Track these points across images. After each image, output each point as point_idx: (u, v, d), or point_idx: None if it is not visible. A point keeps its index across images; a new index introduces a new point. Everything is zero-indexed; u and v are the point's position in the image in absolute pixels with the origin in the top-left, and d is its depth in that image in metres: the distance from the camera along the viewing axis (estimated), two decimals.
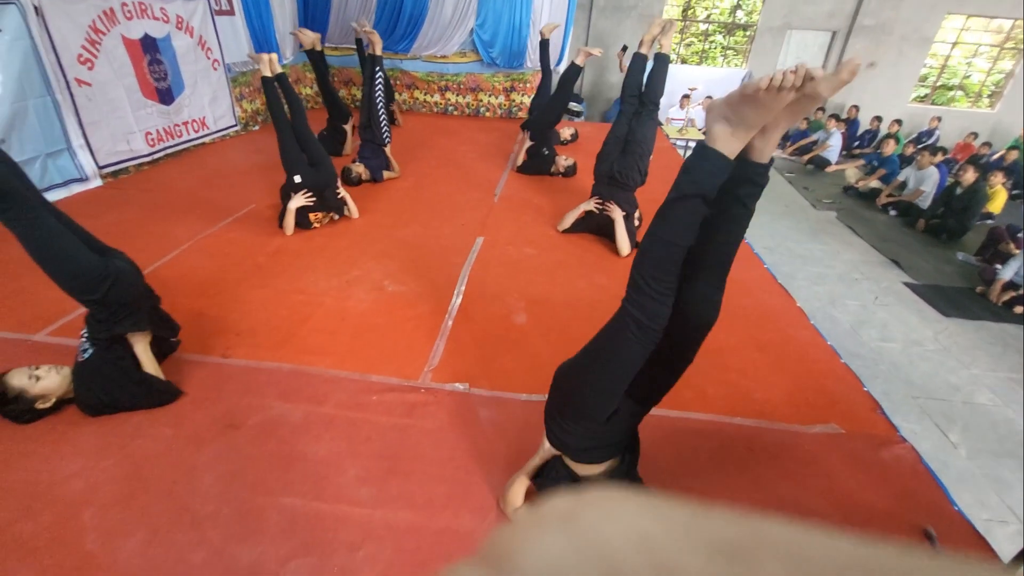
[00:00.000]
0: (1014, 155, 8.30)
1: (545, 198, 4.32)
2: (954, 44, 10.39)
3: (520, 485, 1.61)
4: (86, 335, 1.91)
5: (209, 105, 5.28)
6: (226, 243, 3.28)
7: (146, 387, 1.93)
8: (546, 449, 1.58)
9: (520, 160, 4.96)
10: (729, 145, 1.05)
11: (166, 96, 4.74)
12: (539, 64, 6.79)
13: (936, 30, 9.87)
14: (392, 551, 1.52)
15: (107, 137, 4.14)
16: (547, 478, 1.53)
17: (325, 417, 1.98)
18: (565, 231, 3.63)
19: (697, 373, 2.32)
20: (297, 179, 3.30)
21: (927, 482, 1.88)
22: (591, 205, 3.51)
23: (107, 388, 1.88)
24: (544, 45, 5.19)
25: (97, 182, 4.08)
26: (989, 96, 10.87)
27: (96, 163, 4.06)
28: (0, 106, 3.36)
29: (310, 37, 4.59)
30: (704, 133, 1.10)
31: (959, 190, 6.14)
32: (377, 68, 4.06)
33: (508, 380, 2.23)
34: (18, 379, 1.82)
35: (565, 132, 5.86)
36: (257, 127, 6.06)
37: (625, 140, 3.61)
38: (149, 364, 1.95)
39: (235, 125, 5.67)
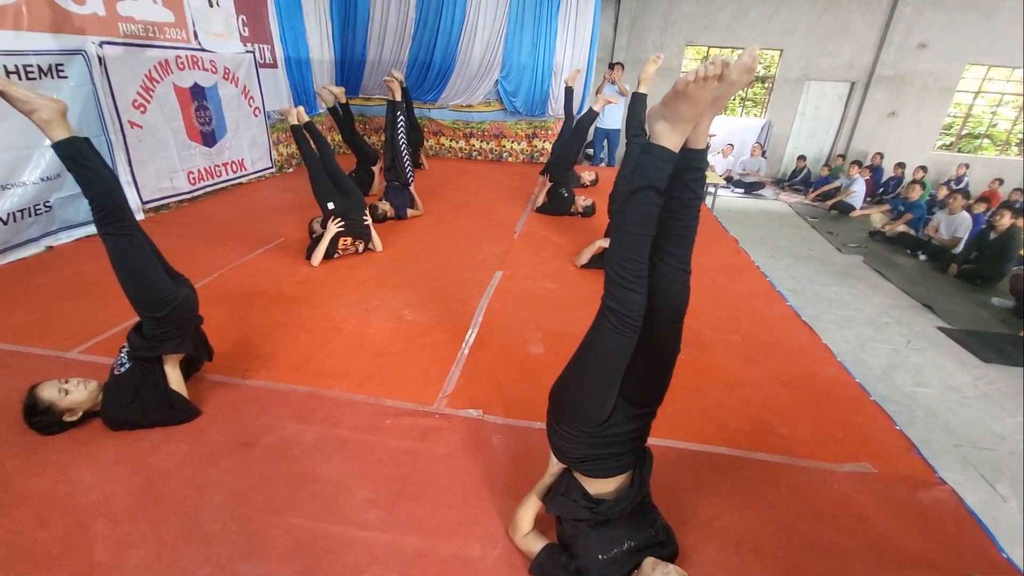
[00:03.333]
0: None
1: (564, 236, 4.37)
2: (976, 93, 10.41)
3: (530, 507, 1.55)
4: (126, 350, 1.98)
5: (248, 148, 5.60)
6: (255, 272, 3.40)
7: (170, 405, 1.97)
8: (554, 464, 1.54)
9: (540, 201, 5.07)
10: (671, 139, 1.16)
11: (209, 139, 5.05)
12: (561, 111, 7.08)
13: (958, 80, 9.93)
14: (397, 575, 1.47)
15: (152, 175, 4.40)
16: (558, 495, 1.48)
17: (338, 439, 1.98)
18: (583, 266, 3.65)
19: (719, 407, 2.29)
20: (331, 206, 3.47)
21: (971, 527, 1.75)
22: (607, 242, 3.54)
23: (135, 404, 1.92)
24: (569, 93, 5.41)
25: (140, 216, 4.30)
26: (1018, 144, 10.75)
27: (140, 199, 4.31)
28: None
29: (330, 96, 4.91)
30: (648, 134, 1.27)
31: (993, 235, 5.99)
32: (399, 113, 4.28)
33: (522, 408, 2.19)
34: (48, 392, 1.88)
35: (586, 176, 5.99)
36: (291, 169, 6.37)
37: None
38: (176, 382, 2.00)
39: (271, 167, 5.98)
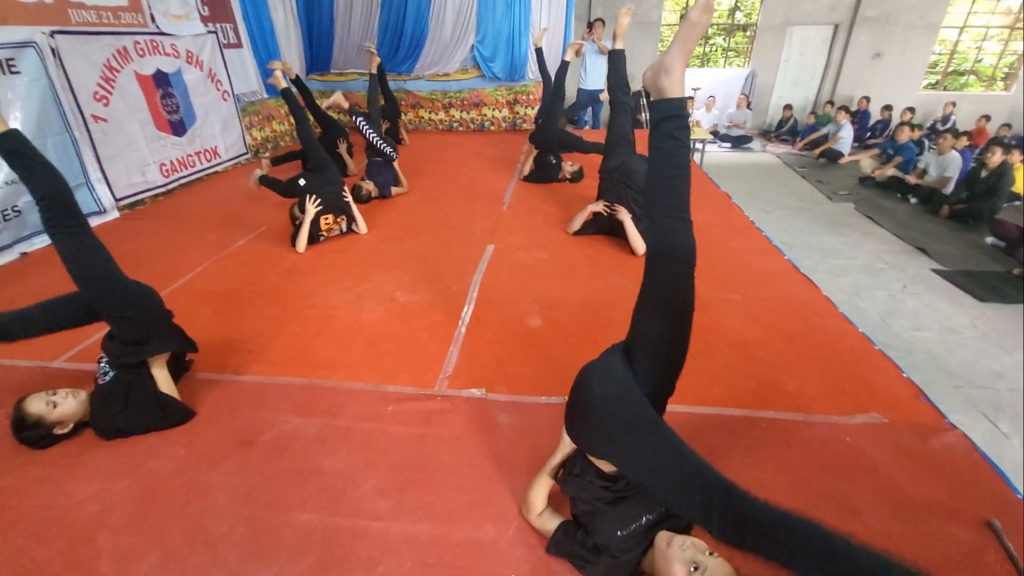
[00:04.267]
0: None
1: (554, 204, 4.27)
2: (962, 28, 10.22)
3: (542, 487, 1.52)
4: (106, 360, 1.90)
5: (220, 134, 5.38)
6: (238, 264, 3.29)
7: (162, 409, 1.91)
8: (565, 443, 1.50)
9: (527, 169, 4.95)
10: (682, 85, 1.19)
11: (179, 128, 4.84)
12: (539, 75, 6.85)
13: (942, 16, 9.72)
14: (412, 565, 1.45)
15: (123, 170, 4.22)
16: (572, 476, 1.45)
17: (340, 430, 1.93)
18: (575, 233, 3.57)
19: (724, 368, 2.26)
20: (301, 182, 3.37)
21: (984, 471, 1.74)
22: (599, 207, 3.46)
23: (126, 411, 1.85)
24: (539, 54, 5.20)
25: (115, 214, 4.15)
26: (1003, 79, 10.63)
27: (113, 196, 4.14)
28: None
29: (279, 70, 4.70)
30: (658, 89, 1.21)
31: (984, 173, 5.95)
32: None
33: (526, 384, 2.15)
34: (36, 405, 1.80)
35: (567, 168, 5.03)
36: (267, 154, 6.14)
37: (632, 142, 3.60)
38: (165, 384, 1.93)
39: (246, 153, 5.77)
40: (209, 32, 5.15)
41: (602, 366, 1.40)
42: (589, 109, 7.20)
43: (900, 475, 1.70)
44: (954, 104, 9.56)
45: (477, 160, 5.74)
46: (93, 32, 3.94)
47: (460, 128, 7.33)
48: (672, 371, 1.37)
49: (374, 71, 4.52)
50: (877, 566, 0.91)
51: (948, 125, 9.16)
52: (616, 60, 3.55)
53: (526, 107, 7.12)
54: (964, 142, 6.57)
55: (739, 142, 9.74)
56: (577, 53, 6.37)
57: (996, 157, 5.86)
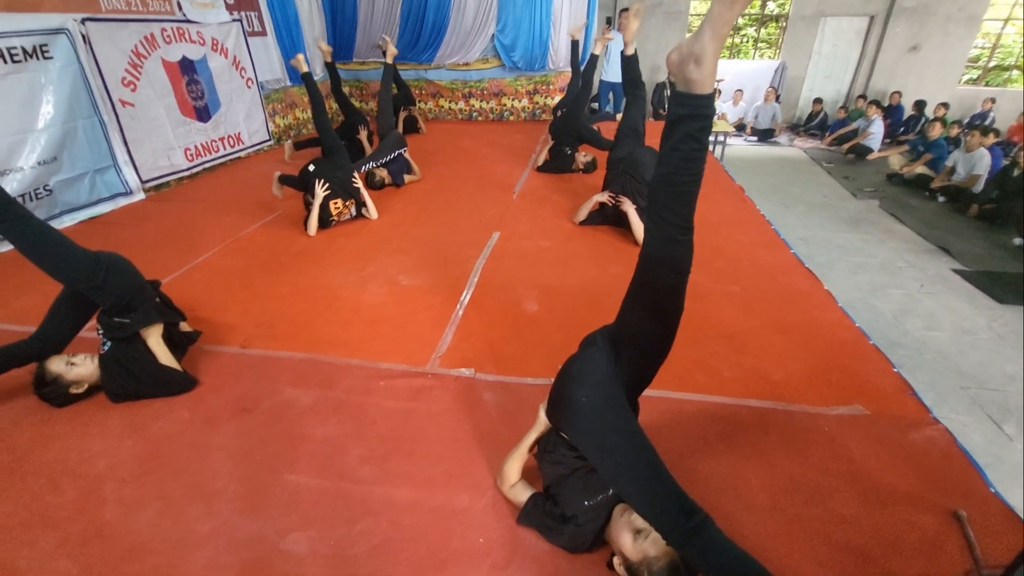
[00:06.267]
0: None
1: (564, 194, 4.30)
2: (1006, 20, 9.75)
3: (517, 461, 1.59)
4: (101, 331, 2.03)
5: (244, 121, 5.56)
6: (253, 246, 3.43)
7: (163, 378, 2.03)
8: (541, 422, 1.56)
9: (542, 159, 4.97)
10: (711, 79, 1.05)
11: (203, 114, 5.02)
12: (562, 66, 6.86)
13: (985, 7, 9.29)
14: (388, 525, 1.53)
15: (149, 154, 4.42)
16: (545, 452, 1.51)
17: (334, 401, 2.03)
18: (581, 223, 3.61)
19: (713, 356, 2.28)
20: (311, 167, 3.47)
21: (961, 465, 1.74)
22: (604, 197, 3.47)
23: (127, 379, 1.99)
24: (574, 47, 5.18)
25: (140, 196, 4.35)
26: None
27: (140, 178, 4.34)
28: (52, 127, 3.64)
29: (327, 50, 4.91)
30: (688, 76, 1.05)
31: (1016, 172, 5.72)
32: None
33: (515, 365, 2.22)
34: (56, 365, 1.95)
35: (581, 159, 5.01)
36: (289, 140, 6.31)
37: (642, 133, 3.63)
38: (164, 356, 2.04)
39: (268, 140, 5.95)
40: (234, 20, 5.31)
41: (587, 364, 1.43)
42: (611, 100, 7.16)
43: (873, 464, 1.71)
44: (994, 100, 9.16)
45: (493, 149, 5.79)
46: (122, 19, 4.12)
47: (479, 118, 7.38)
48: (655, 366, 1.40)
49: (390, 61, 4.59)
50: None
51: (987, 122, 8.78)
52: (629, 63, 3.61)
53: (546, 97, 7.13)
54: (992, 139, 6.31)
55: (765, 135, 9.54)
56: (602, 40, 6.33)
57: None
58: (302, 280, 2.96)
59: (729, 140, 8.12)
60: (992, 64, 10.34)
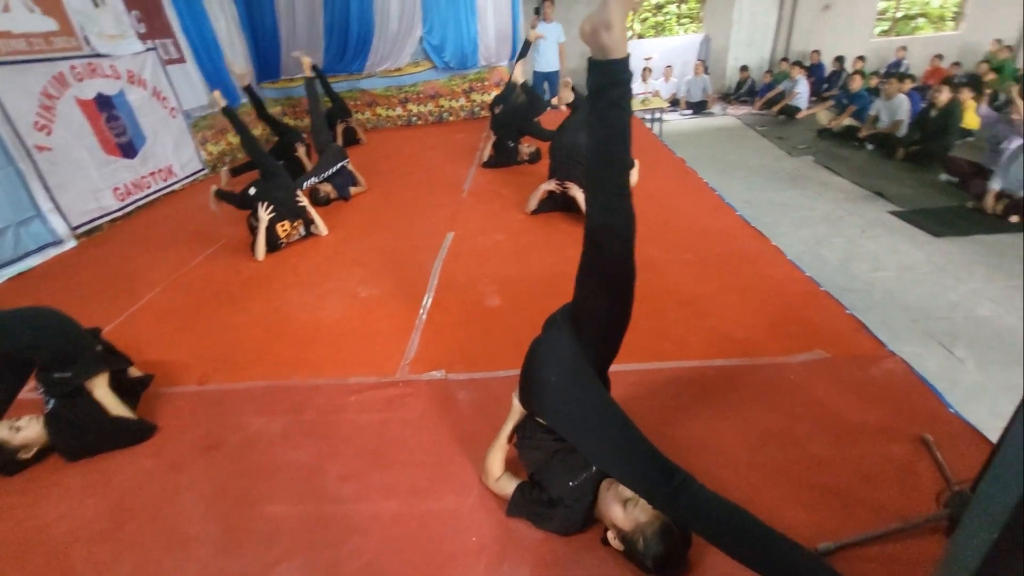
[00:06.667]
0: (992, 77, 8.20)
1: (512, 187, 4.31)
2: None
3: (498, 453, 1.58)
4: (43, 391, 1.91)
5: (173, 153, 5.32)
6: (200, 279, 3.29)
7: (116, 429, 1.92)
8: (516, 409, 1.56)
9: (487, 155, 4.96)
10: (623, 43, 1.07)
11: (128, 150, 4.77)
12: (494, 61, 6.86)
13: None
14: (377, 540, 1.50)
15: (76, 198, 4.17)
16: (523, 439, 1.51)
17: (305, 425, 1.97)
18: (533, 212, 3.62)
19: (675, 324, 2.33)
20: (252, 191, 3.37)
21: (921, 392, 1.84)
22: (552, 186, 3.50)
23: (78, 435, 1.87)
24: (526, 46, 5.18)
25: (72, 243, 4.10)
26: (952, 18, 10.78)
27: (68, 224, 4.09)
28: None
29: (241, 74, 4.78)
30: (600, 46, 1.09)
31: (934, 112, 6.07)
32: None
33: (485, 361, 2.21)
34: None
35: (524, 151, 4.94)
36: (225, 167, 6.08)
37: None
38: (114, 406, 1.93)
39: (203, 169, 5.71)
40: (149, 49, 5.07)
41: (552, 345, 1.44)
42: (546, 87, 7.20)
43: (841, 404, 1.78)
44: (905, 48, 9.69)
45: (436, 152, 5.74)
46: (25, 60, 3.86)
47: (419, 122, 7.30)
48: (617, 336, 1.42)
49: (309, 74, 4.51)
50: (807, 563, 1.05)
51: (901, 70, 9.28)
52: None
53: (483, 94, 7.11)
54: (909, 84, 6.68)
55: (699, 107, 9.81)
56: (531, 39, 6.36)
57: (943, 96, 5.98)
58: (256, 306, 2.86)
59: (665, 116, 8.31)
60: (900, 14, 10.93)
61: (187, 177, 5.46)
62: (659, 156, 4.84)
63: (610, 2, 1.03)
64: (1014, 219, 4.51)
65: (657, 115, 7.66)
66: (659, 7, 11.33)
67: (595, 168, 1.21)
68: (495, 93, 6.54)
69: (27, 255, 3.80)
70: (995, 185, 4.71)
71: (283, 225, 3.44)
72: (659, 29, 11.48)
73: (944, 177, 5.57)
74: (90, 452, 1.90)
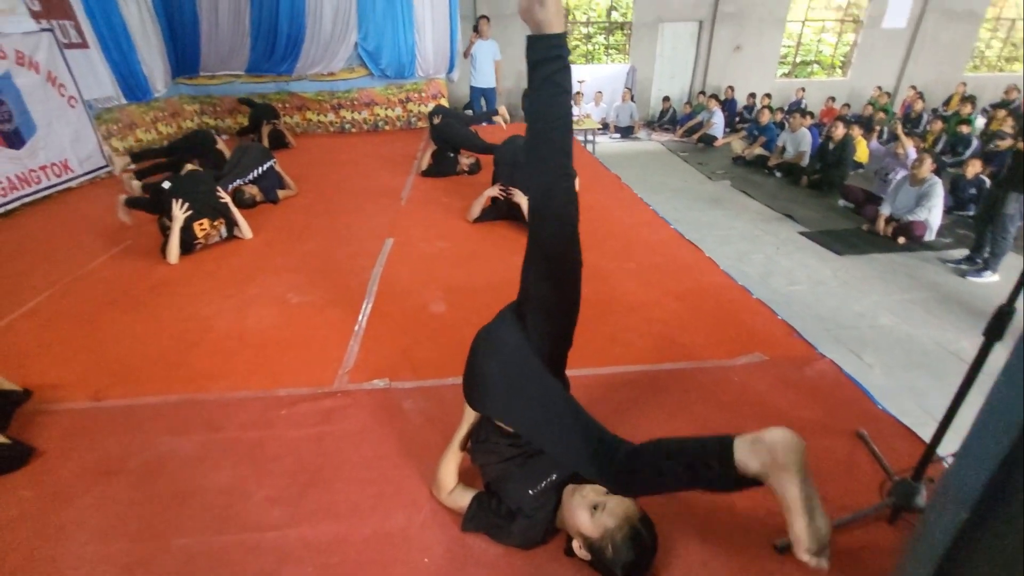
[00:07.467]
0: (881, 116, 9.31)
1: (454, 195, 4.22)
2: (803, 22, 11.56)
3: (451, 462, 1.46)
4: None
5: (71, 146, 4.72)
6: (99, 283, 2.89)
7: None
8: (469, 413, 1.46)
9: (425, 164, 4.85)
10: (560, 18, 1.10)
11: (14, 140, 4.18)
12: (432, 73, 6.82)
13: (787, 11, 10.93)
14: (314, 569, 1.32)
15: None
16: (478, 443, 1.41)
17: (224, 443, 1.74)
18: (476, 220, 3.55)
19: (624, 329, 2.33)
20: (166, 185, 3.02)
21: (851, 391, 1.94)
22: (495, 191, 3.46)
23: None
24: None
25: None
26: (841, 67, 12.17)
27: None
28: None
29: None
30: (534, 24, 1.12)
31: (831, 145, 6.74)
32: None
33: (432, 368, 2.08)
34: None
35: (464, 162, 4.91)
36: (133, 165, 5.51)
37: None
38: None
39: (105, 165, 5.12)
40: (43, 30, 4.50)
41: (494, 330, 1.39)
42: (483, 102, 7.23)
43: (781, 402, 1.84)
44: (803, 89, 10.79)
45: (372, 160, 5.54)
46: None
47: (353, 129, 7.05)
48: (566, 326, 1.37)
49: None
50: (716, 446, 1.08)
51: (801, 107, 10.29)
52: None
53: (419, 105, 7.01)
54: (810, 121, 7.41)
55: (626, 132, 10.30)
56: (466, 54, 6.39)
57: (839, 131, 6.67)
58: (166, 314, 2.55)
59: (597, 138, 8.63)
60: (799, 60, 12.18)
61: (87, 174, 4.86)
62: (597, 172, 4.97)
63: None
64: (902, 241, 5.06)
65: (590, 136, 7.92)
66: (588, 37, 11.85)
67: (532, 148, 1.19)
68: (433, 104, 6.48)
69: None
70: (885, 210, 5.27)
71: (201, 224, 3.11)
72: (588, 57, 11.99)
73: (842, 202, 6.17)
74: None
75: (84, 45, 5.05)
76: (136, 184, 4.16)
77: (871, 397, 1.89)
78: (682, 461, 1.07)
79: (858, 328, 3.73)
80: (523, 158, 3.33)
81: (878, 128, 8.08)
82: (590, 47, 12.09)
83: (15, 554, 1.38)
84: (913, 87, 10.37)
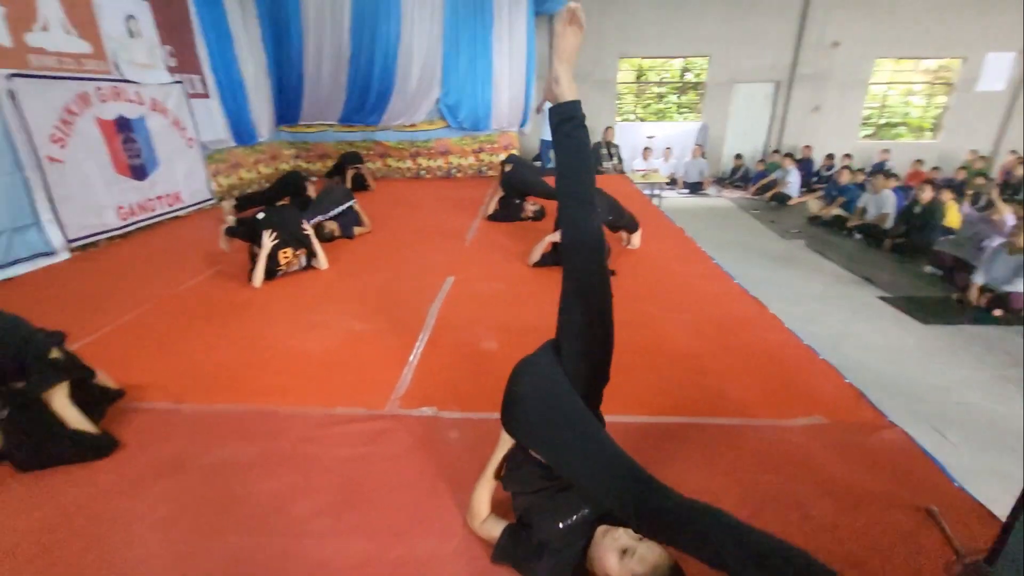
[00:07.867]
0: (980, 181, 8.69)
1: (515, 239, 4.37)
2: (888, 84, 11.19)
3: (484, 489, 1.48)
4: None
5: (184, 180, 5.39)
6: (190, 301, 3.22)
7: (74, 442, 1.78)
8: (504, 440, 1.49)
9: (491, 209, 5.07)
10: (573, 88, 1.36)
11: (139, 172, 4.84)
12: (505, 125, 7.20)
13: (870, 74, 10.65)
14: None
15: (77, 211, 4.16)
16: (512, 470, 1.43)
17: (280, 453, 1.85)
18: (535, 265, 3.64)
19: (672, 380, 2.29)
20: (260, 216, 3.36)
21: (922, 464, 1.78)
22: (557, 237, 3.54)
23: (32, 446, 1.74)
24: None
25: (65, 255, 4.05)
26: (931, 129, 11.57)
27: (65, 237, 4.06)
28: None
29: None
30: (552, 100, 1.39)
31: (917, 208, 6.36)
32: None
33: (478, 401, 2.13)
34: None
35: (529, 208, 5.06)
36: (227, 200, 6.15)
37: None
38: (74, 419, 1.80)
39: (211, 199, 5.77)
40: (176, 82, 5.27)
41: (533, 360, 1.45)
42: (551, 153, 7.52)
43: (842, 470, 1.72)
44: (888, 151, 10.31)
45: (442, 203, 5.86)
46: (53, 76, 3.99)
47: (427, 175, 7.52)
48: (599, 360, 1.41)
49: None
50: (782, 553, 0.96)
51: (884, 168, 9.82)
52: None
53: (491, 155, 7.39)
54: (895, 182, 7.06)
55: (695, 188, 10.22)
56: (538, 110, 6.66)
57: (926, 194, 6.30)
58: (245, 331, 2.79)
59: (664, 193, 8.64)
60: (883, 121, 11.72)
61: (194, 204, 5.51)
62: (659, 224, 4.97)
63: (555, 63, 1.37)
64: (997, 313, 4.61)
65: (656, 191, 7.95)
66: (660, 96, 12.08)
67: (559, 185, 1.41)
68: (503, 155, 6.82)
69: (16, 262, 3.73)
70: (978, 279, 4.84)
71: (285, 252, 3.42)
72: (660, 115, 12.18)
73: (929, 269, 5.74)
74: (42, 464, 1.76)
75: (206, 95, 5.83)
76: (228, 206, 4.72)
77: (945, 472, 1.72)
78: (754, 559, 0.95)
79: (941, 403, 3.39)
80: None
81: (971, 192, 7.54)
82: (663, 105, 12.30)
83: (86, 533, 1.53)
84: (1014, 151, 9.65)
